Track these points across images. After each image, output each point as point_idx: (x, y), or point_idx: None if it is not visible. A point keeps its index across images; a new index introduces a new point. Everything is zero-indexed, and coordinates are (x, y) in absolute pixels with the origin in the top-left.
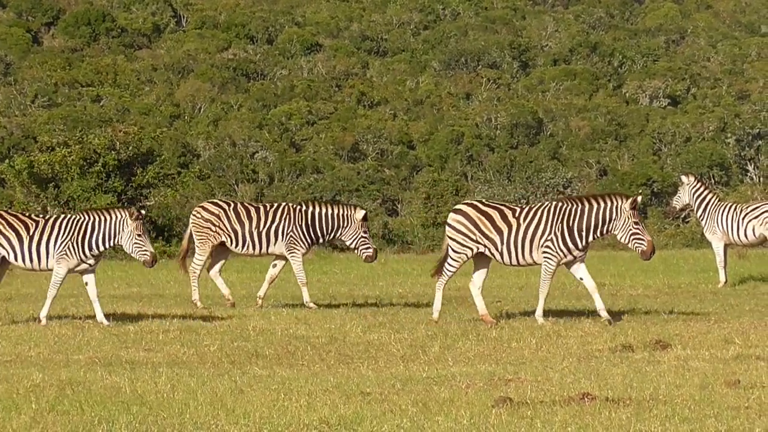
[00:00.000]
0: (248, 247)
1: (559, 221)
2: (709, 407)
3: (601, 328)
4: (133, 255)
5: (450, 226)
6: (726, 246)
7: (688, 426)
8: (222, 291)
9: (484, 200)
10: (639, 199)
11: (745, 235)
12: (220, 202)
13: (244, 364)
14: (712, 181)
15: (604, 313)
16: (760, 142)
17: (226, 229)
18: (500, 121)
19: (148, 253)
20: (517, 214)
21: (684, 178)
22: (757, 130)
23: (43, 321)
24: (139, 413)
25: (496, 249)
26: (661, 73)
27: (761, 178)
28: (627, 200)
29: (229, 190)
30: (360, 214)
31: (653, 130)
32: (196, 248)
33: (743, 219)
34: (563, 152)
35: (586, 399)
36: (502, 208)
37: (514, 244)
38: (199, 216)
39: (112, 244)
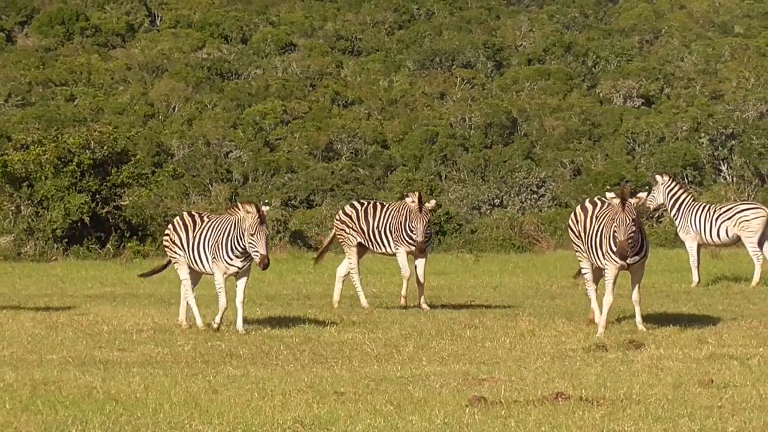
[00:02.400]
0: (376, 246)
1: (601, 224)
2: (683, 407)
3: (575, 328)
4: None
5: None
6: (699, 246)
7: (661, 425)
8: (334, 295)
9: (596, 198)
10: (622, 191)
11: (718, 236)
12: (356, 203)
13: (218, 364)
14: (686, 180)
15: (640, 326)
16: (733, 142)
17: (357, 229)
18: (474, 120)
19: (258, 255)
20: (595, 212)
21: (659, 178)
22: (731, 130)
23: (218, 326)
24: (113, 413)
25: (584, 248)
26: (635, 73)
27: (734, 178)
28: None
29: (204, 189)
30: (408, 201)
31: (627, 130)
32: (345, 251)
33: (716, 219)
34: (537, 152)
35: (559, 398)
36: (593, 206)
37: (590, 245)
38: (338, 219)
39: (245, 244)
